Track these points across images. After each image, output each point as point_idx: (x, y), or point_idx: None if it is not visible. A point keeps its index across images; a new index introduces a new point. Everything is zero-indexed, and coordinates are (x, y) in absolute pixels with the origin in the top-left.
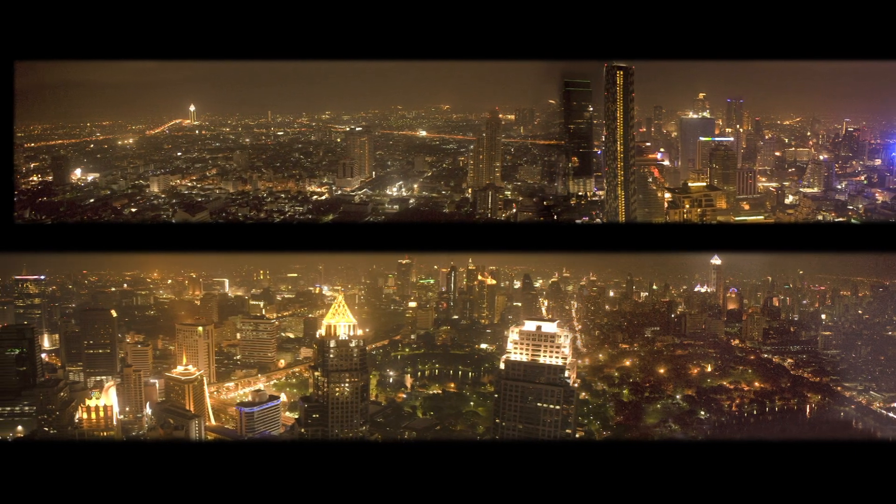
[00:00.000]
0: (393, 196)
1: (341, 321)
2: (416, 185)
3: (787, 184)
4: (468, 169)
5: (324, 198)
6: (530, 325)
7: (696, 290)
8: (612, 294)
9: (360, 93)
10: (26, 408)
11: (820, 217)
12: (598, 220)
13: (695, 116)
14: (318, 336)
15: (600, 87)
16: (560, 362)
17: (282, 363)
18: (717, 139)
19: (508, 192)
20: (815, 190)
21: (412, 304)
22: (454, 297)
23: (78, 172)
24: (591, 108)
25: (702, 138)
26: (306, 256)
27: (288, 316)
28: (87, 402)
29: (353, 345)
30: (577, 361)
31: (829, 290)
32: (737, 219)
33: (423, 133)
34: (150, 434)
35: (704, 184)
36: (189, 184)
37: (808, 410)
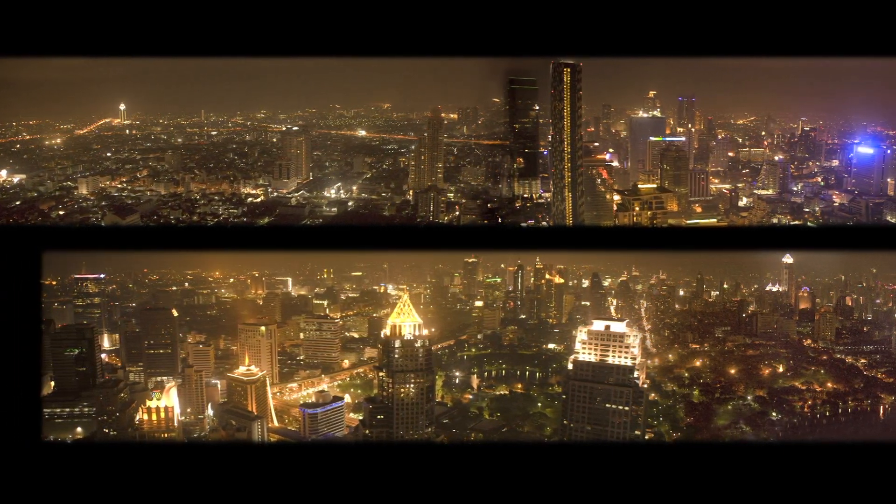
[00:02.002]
0: (331, 198)
1: (407, 321)
2: (354, 187)
3: (740, 185)
4: (409, 170)
5: (259, 200)
6: (599, 325)
7: (767, 289)
8: (682, 293)
9: (296, 91)
10: (86, 409)
11: (775, 220)
12: (544, 223)
13: (645, 115)
14: (382, 336)
15: (546, 85)
16: (629, 362)
17: (346, 363)
18: (667, 139)
19: (451, 194)
20: (770, 192)
21: (479, 304)
22: (521, 296)
23: (3, 174)
24: (537, 107)
25: (652, 138)
26: (371, 255)
27: (352, 315)
28: (148, 403)
29: (418, 345)
30: (646, 362)
31: None
32: (688, 222)
33: (363, 133)
34: (212, 436)
35: (655, 185)
36: (119, 185)
37: (881, 412)
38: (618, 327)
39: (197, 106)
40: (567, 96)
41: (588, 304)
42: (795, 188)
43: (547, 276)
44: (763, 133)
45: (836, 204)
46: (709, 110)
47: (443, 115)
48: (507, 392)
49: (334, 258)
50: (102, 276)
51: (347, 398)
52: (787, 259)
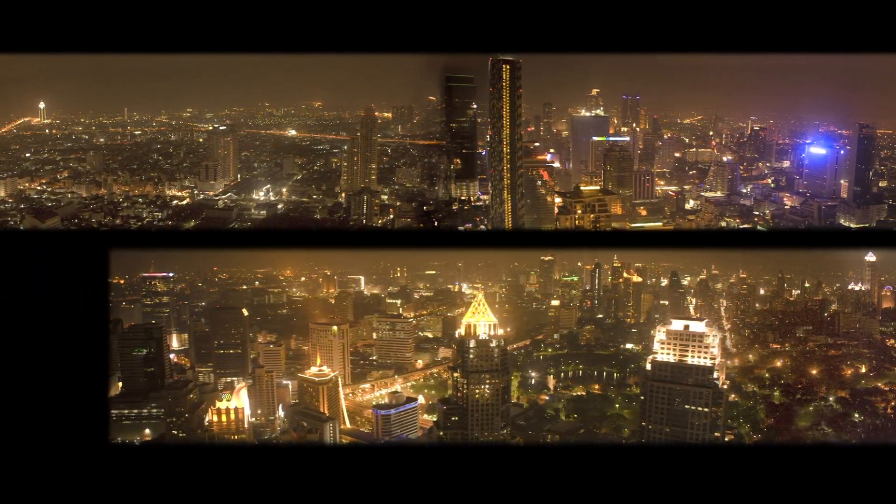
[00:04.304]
0: (260, 201)
1: (481, 320)
2: (284, 189)
3: (687, 187)
4: (341, 171)
5: (185, 202)
6: (678, 325)
7: (849, 287)
8: (762, 292)
9: (224, 89)
10: (154, 410)
11: (723, 223)
12: (482, 226)
13: (587, 114)
14: (457, 336)
15: (485, 83)
16: (708, 363)
17: (420, 364)
18: (611, 139)
19: (385, 197)
20: (719, 194)
21: (555, 303)
22: (599, 295)
23: None
24: (475, 106)
25: (595, 138)
26: (446, 253)
27: (426, 315)
28: (218, 404)
29: (493, 345)
30: (726, 362)
31: None
32: (633, 225)
33: (293, 132)
34: (283, 437)
35: (598, 187)
36: (38, 187)
37: None
38: (697, 327)
39: (120, 104)
40: (506, 94)
41: (667, 303)
42: (745, 190)
43: (625, 275)
44: (711, 133)
45: (788, 207)
46: (654, 109)
47: (376, 113)
48: (583, 393)
49: (408, 256)
50: (171, 274)
51: (421, 399)
52: (870, 257)
